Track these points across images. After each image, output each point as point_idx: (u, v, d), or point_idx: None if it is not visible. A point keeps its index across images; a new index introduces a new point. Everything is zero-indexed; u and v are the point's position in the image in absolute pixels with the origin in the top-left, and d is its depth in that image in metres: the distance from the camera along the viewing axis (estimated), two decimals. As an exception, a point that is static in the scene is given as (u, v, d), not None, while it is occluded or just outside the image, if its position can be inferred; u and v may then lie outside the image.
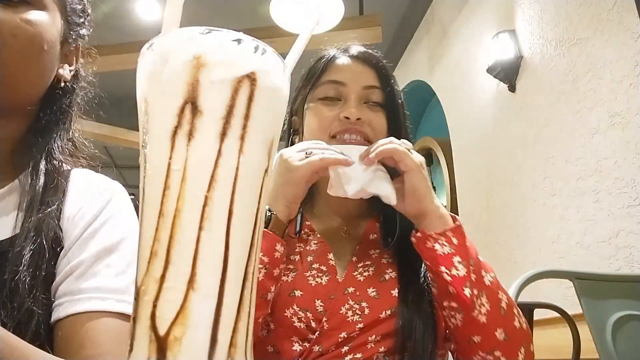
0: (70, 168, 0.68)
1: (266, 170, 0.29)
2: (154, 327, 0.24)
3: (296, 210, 0.72)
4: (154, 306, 0.24)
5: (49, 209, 0.59)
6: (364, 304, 0.71)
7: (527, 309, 1.29)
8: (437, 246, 0.66)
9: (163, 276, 0.24)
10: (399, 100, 0.85)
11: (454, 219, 0.70)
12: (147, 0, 3.65)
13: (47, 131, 0.65)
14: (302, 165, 0.67)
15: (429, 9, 3.64)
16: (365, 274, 0.75)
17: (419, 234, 0.69)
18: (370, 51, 0.87)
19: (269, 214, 0.69)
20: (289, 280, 0.74)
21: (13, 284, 0.53)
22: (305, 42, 0.37)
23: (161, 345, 0.23)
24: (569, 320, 1.24)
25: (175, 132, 0.26)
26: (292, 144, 0.88)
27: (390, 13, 3.73)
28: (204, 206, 0.25)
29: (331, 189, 0.69)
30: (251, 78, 0.27)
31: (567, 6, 2.07)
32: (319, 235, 0.81)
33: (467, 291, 0.63)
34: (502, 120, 2.60)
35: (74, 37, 0.69)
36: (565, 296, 1.78)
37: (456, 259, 0.65)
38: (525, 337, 0.67)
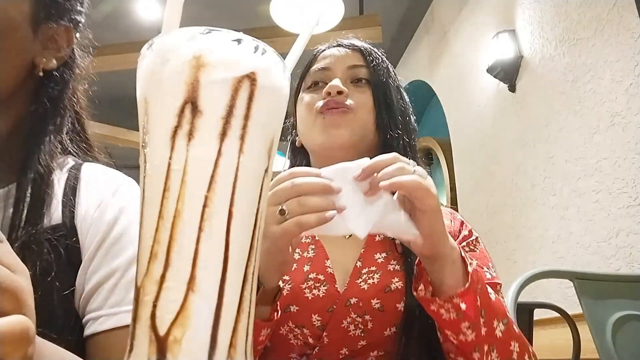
0: (81, 162, 0.63)
1: (266, 170, 0.29)
2: (154, 327, 0.24)
3: (290, 267, 0.63)
4: (154, 306, 0.24)
5: (36, 229, 0.53)
6: (367, 317, 0.66)
7: (527, 309, 1.29)
8: (442, 311, 0.58)
9: (163, 276, 0.24)
10: (390, 81, 0.82)
11: (464, 262, 0.59)
12: (147, 0, 3.65)
13: (34, 131, 0.58)
14: (278, 236, 0.53)
15: (429, 9, 3.64)
16: (370, 281, 0.70)
17: (421, 291, 0.60)
18: (356, 39, 0.86)
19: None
20: (284, 294, 0.68)
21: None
22: (305, 42, 0.37)
23: (161, 345, 0.23)
24: (569, 320, 1.24)
25: (175, 132, 0.26)
26: (294, 143, 0.87)
27: (390, 13, 3.73)
28: (204, 206, 0.25)
29: (328, 230, 0.52)
30: (251, 78, 0.27)
31: (567, 6, 2.07)
32: (317, 238, 0.76)
33: (476, 355, 0.58)
34: (502, 120, 2.60)
35: (54, 17, 0.60)
36: (565, 296, 1.78)
37: (464, 325, 0.57)
38: None
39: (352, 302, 0.67)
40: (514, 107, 2.47)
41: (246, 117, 0.26)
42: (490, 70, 2.52)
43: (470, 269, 0.58)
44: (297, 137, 0.86)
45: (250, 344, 0.26)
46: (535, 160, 2.27)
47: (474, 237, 0.78)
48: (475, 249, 0.76)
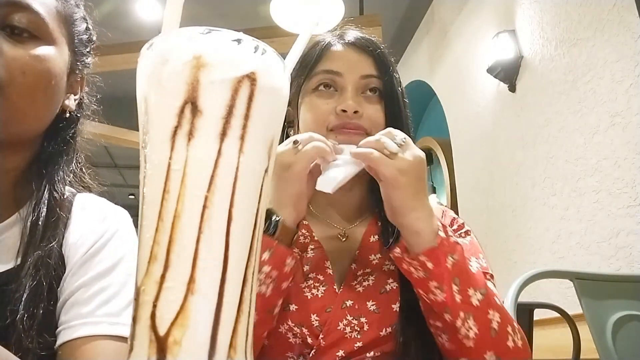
0: (75, 192, 0.68)
1: (266, 170, 0.28)
2: (154, 327, 0.24)
3: (304, 211, 0.65)
4: (154, 306, 0.24)
5: (49, 245, 0.58)
6: (363, 320, 0.67)
7: (527, 309, 1.29)
8: (412, 269, 0.62)
9: (163, 276, 0.24)
10: (399, 89, 0.80)
11: (445, 228, 0.63)
12: (147, 0, 3.65)
13: (50, 162, 0.65)
14: (298, 159, 0.61)
15: (429, 9, 3.64)
16: (365, 283, 0.71)
17: (396, 253, 0.64)
18: (367, 37, 0.81)
19: (276, 219, 0.62)
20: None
21: (10, 321, 0.53)
22: (305, 43, 0.37)
23: (161, 345, 0.23)
24: (569, 320, 1.24)
25: (175, 132, 0.26)
26: (287, 136, 0.83)
27: (390, 13, 3.73)
28: (204, 207, 0.25)
29: (317, 185, 0.63)
30: (251, 78, 0.27)
31: (567, 6, 2.07)
32: (316, 238, 0.77)
33: (447, 316, 0.60)
34: (502, 120, 2.60)
35: (80, 67, 0.69)
36: (565, 296, 1.78)
37: (432, 284, 0.60)
38: (520, 355, 0.62)
39: (348, 305, 0.69)
40: (514, 107, 2.47)
41: (246, 117, 0.26)
42: (490, 70, 2.52)
43: (441, 233, 0.62)
44: (291, 131, 0.83)
45: (250, 345, 0.26)
46: (535, 160, 2.27)
47: (463, 230, 0.79)
48: (465, 240, 0.76)
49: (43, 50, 0.60)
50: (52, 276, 0.58)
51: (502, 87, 2.54)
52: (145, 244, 0.26)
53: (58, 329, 0.57)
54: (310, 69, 0.79)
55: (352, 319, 0.67)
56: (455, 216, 0.82)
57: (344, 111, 0.73)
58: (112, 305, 0.59)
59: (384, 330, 0.67)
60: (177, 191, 0.25)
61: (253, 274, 0.27)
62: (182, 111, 0.26)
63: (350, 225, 0.80)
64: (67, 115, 0.67)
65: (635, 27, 1.70)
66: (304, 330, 0.67)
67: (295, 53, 0.35)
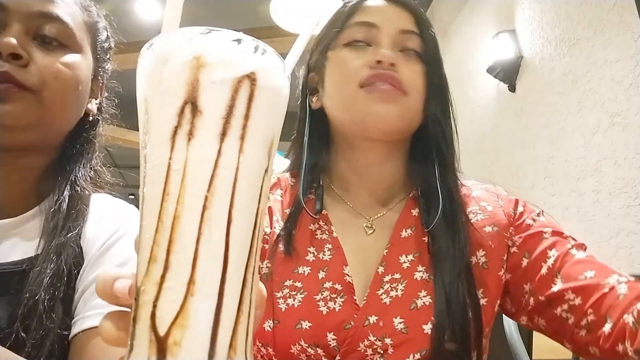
0: (91, 192, 0.71)
1: (266, 170, 0.28)
2: (154, 328, 0.24)
3: None
4: (154, 306, 0.24)
5: (70, 234, 0.62)
6: (387, 341, 0.57)
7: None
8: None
9: (163, 277, 0.24)
10: (440, 55, 0.70)
11: None
12: (147, 0, 3.64)
13: (72, 161, 0.69)
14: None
15: (429, 9, 3.64)
16: (393, 293, 0.60)
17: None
18: None
19: None
20: (295, 306, 0.59)
21: (32, 303, 0.55)
22: (305, 43, 0.37)
23: (161, 345, 0.23)
24: (569, 320, 1.24)
25: (175, 132, 0.26)
26: (309, 107, 0.71)
27: (390, 13, 3.72)
28: (204, 207, 0.25)
29: None
30: (251, 78, 0.27)
31: (567, 6, 2.07)
32: (335, 234, 0.65)
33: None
34: (502, 120, 2.59)
35: (101, 73, 0.74)
36: (565, 296, 1.77)
37: None
38: None
39: (371, 322, 0.58)
40: (514, 107, 2.47)
41: (246, 117, 0.26)
42: (490, 70, 2.52)
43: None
44: (314, 99, 0.71)
45: (250, 345, 0.26)
46: (535, 160, 2.27)
47: (535, 213, 0.70)
48: (540, 226, 0.68)
49: (71, 57, 0.64)
50: (72, 262, 0.60)
51: (502, 87, 2.54)
52: (145, 245, 0.25)
53: (74, 320, 0.59)
54: (342, 23, 0.68)
55: (376, 340, 0.57)
56: (512, 197, 0.76)
57: (379, 62, 0.63)
58: None
59: (411, 356, 0.57)
60: (176, 191, 0.25)
61: (253, 274, 0.26)
62: (182, 111, 0.26)
63: (380, 212, 0.69)
64: (90, 118, 0.72)
65: (635, 27, 1.69)
66: (319, 351, 0.58)
67: (296, 53, 0.35)
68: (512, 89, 2.47)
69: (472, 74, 2.91)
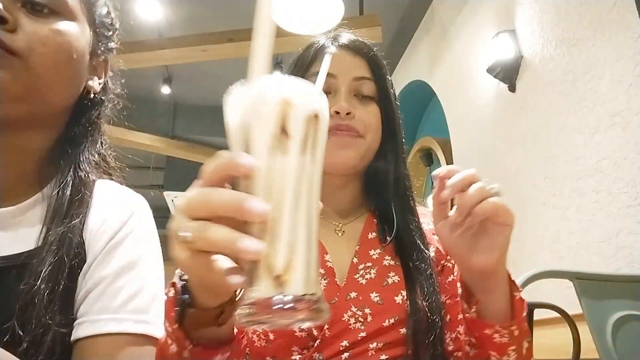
0: (95, 179, 0.68)
1: (320, 174, 0.42)
2: (270, 270, 0.36)
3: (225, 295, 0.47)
4: (272, 259, 0.36)
5: (73, 222, 0.59)
6: (367, 311, 0.69)
7: (527, 309, 1.29)
8: (495, 336, 0.60)
9: (276, 240, 0.36)
10: (391, 91, 0.81)
11: (514, 286, 0.62)
12: (147, 0, 3.65)
13: (75, 143, 0.67)
14: (182, 268, 0.38)
15: (429, 9, 3.64)
16: (367, 276, 0.72)
17: (473, 314, 0.60)
18: (360, 39, 0.82)
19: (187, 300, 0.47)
20: None
21: (30, 297, 0.53)
22: (326, 70, 0.52)
23: (278, 281, 0.36)
24: (569, 320, 1.24)
25: (272, 150, 0.38)
26: None
27: (390, 13, 3.73)
28: (294, 197, 0.38)
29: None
30: (317, 113, 0.40)
31: (567, 6, 2.07)
32: None
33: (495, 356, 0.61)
34: (502, 120, 2.60)
35: (102, 49, 0.71)
36: (565, 296, 1.77)
37: (511, 348, 0.60)
38: None
39: (352, 297, 0.70)
40: (514, 107, 2.47)
41: (314, 140, 0.40)
42: (490, 70, 2.52)
43: (517, 293, 0.62)
44: None
45: (317, 279, 0.39)
46: (535, 160, 2.27)
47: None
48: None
49: (63, 25, 0.62)
50: (74, 254, 0.58)
51: (502, 87, 2.54)
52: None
53: (78, 320, 0.57)
54: (304, 71, 0.79)
55: (357, 310, 0.69)
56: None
57: (337, 113, 0.74)
58: (138, 301, 0.59)
59: (387, 321, 0.68)
60: (277, 188, 0.37)
61: (316, 239, 0.40)
62: (276, 135, 0.38)
63: (347, 221, 0.81)
64: (92, 96, 0.69)
65: (635, 27, 1.69)
66: None
67: (322, 77, 0.49)
68: (512, 89, 2.47)
69: (472, 74, 2.91)
